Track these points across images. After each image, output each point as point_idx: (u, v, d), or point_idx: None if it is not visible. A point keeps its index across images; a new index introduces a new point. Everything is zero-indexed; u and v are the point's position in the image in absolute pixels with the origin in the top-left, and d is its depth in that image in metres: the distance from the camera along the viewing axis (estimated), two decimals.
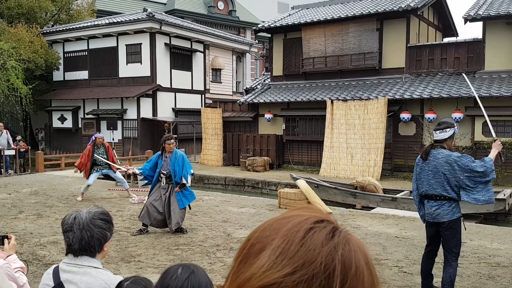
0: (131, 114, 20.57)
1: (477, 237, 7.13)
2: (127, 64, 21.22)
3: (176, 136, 17.66)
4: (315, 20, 17.34)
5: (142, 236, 7.14)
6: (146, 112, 20.60)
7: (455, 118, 13.78)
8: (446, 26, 19.46)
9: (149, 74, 20.63)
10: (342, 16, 16.67)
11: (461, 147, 13.43)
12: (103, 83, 21.97)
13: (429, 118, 14.29)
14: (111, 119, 18.91)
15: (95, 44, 22.06)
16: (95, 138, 10.38)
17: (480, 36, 14.81)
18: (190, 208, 7.62)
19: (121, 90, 20.79)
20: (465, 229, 4.83)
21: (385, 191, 11.61)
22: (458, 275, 5.10)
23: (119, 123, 20.19)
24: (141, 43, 20.71)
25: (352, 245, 0.58)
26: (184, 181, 7.13)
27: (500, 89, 13.19)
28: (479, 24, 14.71)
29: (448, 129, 4.49)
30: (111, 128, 18.60)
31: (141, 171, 7.45)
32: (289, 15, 20.16)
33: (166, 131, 20.13)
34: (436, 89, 14.34)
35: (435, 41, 17.79)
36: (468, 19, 14.23)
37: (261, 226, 0.63)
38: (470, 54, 15.01)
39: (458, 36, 19.74)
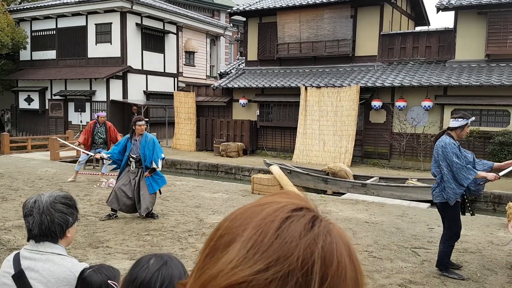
0: (100, 96, 20.05)
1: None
2: (96, 44, 20.60)
3: (147, 119, 17.35)
4: (291, 4, 17.23)
5: (111, 221, 6.99)
6: (116, 94, 20.11)
7: (425, 106, 14.05)
8: (419, 14, 19.70)
9: (119, 55, 20.10)
10: (317, 1, 16.61)
11: (430, 135, 13.73)
12: (71, 64, 21.30)
13: (399, 106, 14.51)
14: (79, 100, 18.41)
15: (63, 23, 21.32)
16: (98, 116, 10.53)
17: (452, 26, 15.06)
18: (160, 193, 7.50)
19: (90, 71, 20.21)
20: (472, 214, 5.04)
21: (355, 177, 11.78)
22: (427, 260, 5.23)
23: (88, 105, 19.68)
24: (111, 23, 20.12)
25: (334, 236, 0.51)
26: (154, 165, 6.95)
27: (470, 79, 13.49)
28: (451, 14, 14.97)
29: (460, 119, 4.81)
30: (79, 110, 18.11)
31: (109, 155, 7.22)
32: None
33: (135, 114, 19.76)
34: (407, 78, 14.55)
35: (408, 29, 18.00)
36: (440, 8, 14.42)
37: (232, 214, 0.55)
38: (441, 43, 15.26)
39: (430, 25, 20.04)
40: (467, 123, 4.79)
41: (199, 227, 6.74)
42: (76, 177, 10.56)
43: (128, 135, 7.18)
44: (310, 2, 16.75)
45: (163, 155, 7.08)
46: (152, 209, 7.15)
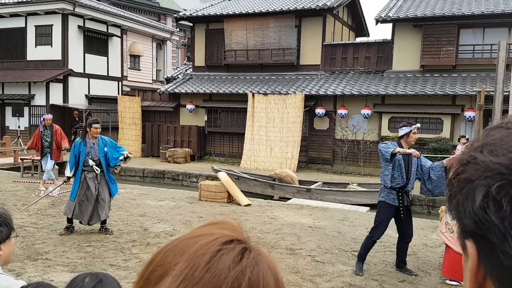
0: (40, 100, 19.18)
1: None
2: (36, 47, 19.72)
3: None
4: (237, 12, 17.43)
5: (49, 231, 6.74)
6: (56, 98, 19.33)
7: (364, 114, 14.70)
8: (359, 26, 20.59)
9: (60, 58, 19.36)
10: (263, 10, 16.93)
11: (369, 141, 14.40)
12: (9, 66, 20.22)
13: (341, 113, 15.09)
14: (17, 105, 17.56)
15: (1, 24, 20.21)
16: (44, 119, 10.16)
17: (390, 38, 15.89)
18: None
19: (29, 74, 19.29)
20: (401, 215, 5.32)
21: (300, 182, 12.10)
22: (366, 263, 5.51)
23: (26, 109, 18.77)
24: (52, 25, 19.36)
25: (261, 266, 0.54)
26: (125, 154, 6.60)
27: (406, 88, 14.29)
28: (389, 26, 15.77)
29: (404, 127, 5.26)
30: (17, 114, 17.27)
31: (72, 172, 6.71)
32: (211, 5, 20.02)
33: (76, 119, 19.09)
34: (348, 87, 15.17)
35: (349, 40, 18.77)
36: (379, 20, 15.18)
37: (166, 247, 0.57)
38: (379, 54, 16.07)
39: (369, 36, 21.02)
40: (411, 130, 5.21)
41: (143, 237, 6.65)
42: (45, 184, 10.18)
43: (79, 140, 6.78)
44: (256, 11, 17.04)
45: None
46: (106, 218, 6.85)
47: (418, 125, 5.34)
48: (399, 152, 5.11)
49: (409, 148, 5.29)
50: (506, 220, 0.47)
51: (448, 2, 16.09)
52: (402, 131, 5.27)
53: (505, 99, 6.42)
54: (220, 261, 0.52)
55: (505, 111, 6.18)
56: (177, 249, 0.55)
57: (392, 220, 5.40)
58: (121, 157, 6.63)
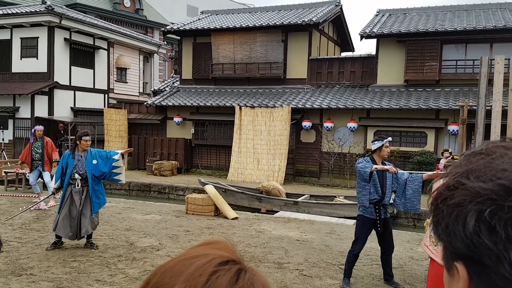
0: (24, 112, 18.96)
1: (369, 239, 7.75)
2: (21, 59, 19.56)
3: (73, 137, 16.69)
4: (224, 27, 17.58)
5: (34, 246, 6.63)
6: (42, 111, 19.14)
7: (350, 127, 14.87)
8: (344, 41, 20.92)
9: (45, 70, 19.22)
10: (250, 25, 17.11)
11: (355, 154, 14.53)
12: None
13: (327, 126, 15.24)
14: (1, 117, 17.35)
15: None
16: (34, 130, 10.03)
17: (374, 53, 16.17)
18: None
19: (14, 86, 19.09)
20: (379, 229, 5.36)
21: (288, 195, 12.13)
22: (353, 277, 5.54)
23: (10, 122, 18.54)
24: (38, 37, 19.26)
25: (256, 287, 0.56)
26: (116, 157, 6.48)
27: (390, 102, 14.51)
28: (374, 41, 16.07)
29: (376, 142, 5.31)
30: (1, 127, 17.05)
31: (57, 183, 6.64)
32: (199, 19, 20.17)
33: (62, 131, 18.91)
34: (334, 100, 15.35)
35: (334, 55, 19.04)
36: (363, 35, 15.45)
37: (162, 268, 0.58)
38: (364, 68, 16.33)
39: (354, 51, 21.34)
40: (383, 144, 5.25)
41: (129, 252, 6.58)
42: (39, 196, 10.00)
43: (68, 152, 6.72)
44: (244, 25, 17.21)
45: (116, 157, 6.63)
46: (92, 234, 6.74)
47: (390, 138, 5.36)
48: (376, 169, 5.15)
49: (382, 162, 5.33)
50: (499, 244, 0.50)
51: (431, 18, 16.48)
52: (375, 145, 5.30)
53: (488, 113, 6.58)
54: (217, 282, 0.53)
55: (487, 125, 6.32)
56: (174, 270, 0.56)
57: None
58: (114, 170, 6.51)
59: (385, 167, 5.19)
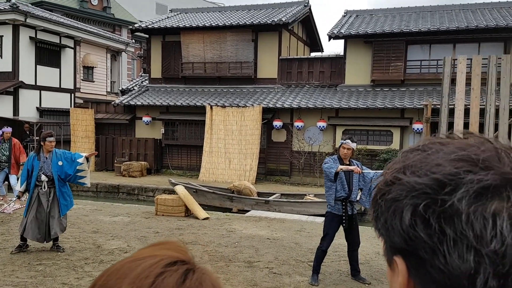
0: None
1: (337, 236, 7.90)
2: None
3: (38, 138, 16.24)
4: (194, 25, 17.48)
5: None
6: (6, 111, 18.54)
7: (320, 126, 15.09)
8: (313, 41, 21.18)
9: (10, 70, 18.65)
10: (220, 24, 17.09)
11: (325, 153, 14.75)
12: None
13: (297, 126, 15.40)
14: None
15: None
16: (3, 132, 9.79)
17: (342, 53, 16.45)
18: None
19: None
20: (344, 224, 5.50)
21: (259, 194, 12.21)
22: (321, 273, 5.64)
23: None
24: (3, 36, 18.70)
25: (205, 286, 0.54)
26: (82, 159, 6.37)
27: (358, 102, 14.81)
28: (342, 42, 16.34)
29: (341, 141, 5.56)
30: None
31: (23, 187, 6.47)
32: (168, 17, 19.97)
33: (27, 132, 18.37)
34: (304, 100, 15.53)
35: (304, 55, 19.26)
36: (332, 36, 15.70)
37: (109, 270, 0.56)
38: (333, 68, 16.59)
39: (323, 51, 21.63)
40: (341, 144, 5.50)
41: (96, 254, 6.48)
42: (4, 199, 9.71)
43: (33, 154, 6.58)
44: (214, 24, 17.17)
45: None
46: (58, 236, 6.58)
47: (348, 140, 5.47)
48: (341, 169, 5.30)
49: (350, 161, 5.48)
50: (434, 237, 0.51)
51: (396, 19, 16.90)
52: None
53: (451, 112, 6.80)
54: (163, 284, 0.51)
55: (450, 124, 6.54)
56: (120, 272, 0.54)
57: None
58: (79, 173, 6.42)
59: (350, 167, 5.33)
